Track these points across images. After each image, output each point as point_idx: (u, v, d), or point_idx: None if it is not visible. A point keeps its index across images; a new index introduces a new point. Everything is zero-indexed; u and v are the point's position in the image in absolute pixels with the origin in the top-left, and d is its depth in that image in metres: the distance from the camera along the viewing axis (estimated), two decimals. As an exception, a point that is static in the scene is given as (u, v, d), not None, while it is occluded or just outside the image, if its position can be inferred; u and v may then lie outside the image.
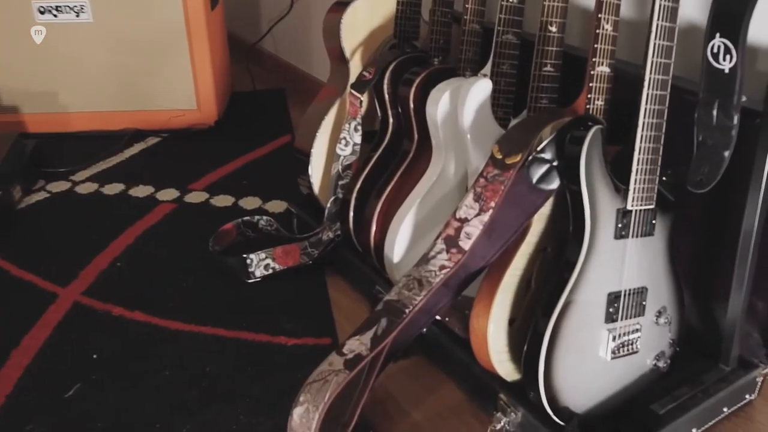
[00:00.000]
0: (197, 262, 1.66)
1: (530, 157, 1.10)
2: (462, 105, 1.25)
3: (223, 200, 1.97)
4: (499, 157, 1.13)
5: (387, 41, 1.63)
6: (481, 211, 1.12)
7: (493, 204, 1.11)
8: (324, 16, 1.67)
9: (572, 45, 1.43)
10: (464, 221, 1.13)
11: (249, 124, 2.46)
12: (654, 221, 1.14)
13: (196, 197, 2.00)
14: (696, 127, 1.10)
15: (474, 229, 1.12)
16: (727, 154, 1.09)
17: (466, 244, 1.12)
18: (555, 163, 1.11)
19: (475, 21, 1.44)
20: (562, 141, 1.10)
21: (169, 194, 2.01)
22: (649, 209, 1.13)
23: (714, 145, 1.10)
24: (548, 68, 1.27)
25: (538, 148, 1.10)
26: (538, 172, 1.11)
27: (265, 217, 1.72)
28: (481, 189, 1.13)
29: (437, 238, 1.16)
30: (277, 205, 1.91)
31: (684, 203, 1.17)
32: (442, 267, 1.13)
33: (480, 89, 1.25)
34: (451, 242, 1.14)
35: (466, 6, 1.42)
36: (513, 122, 1.36)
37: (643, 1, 1.38)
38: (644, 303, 1.15)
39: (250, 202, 1.95)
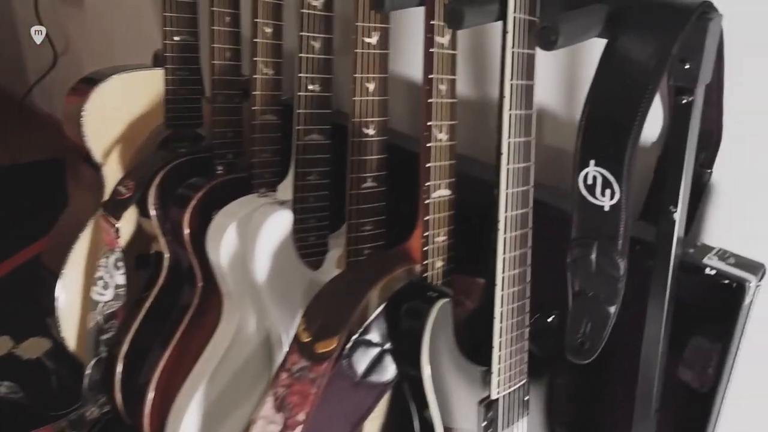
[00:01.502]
0: None
1: (352, 343, 0.76)
2: (252, 248, 0.89)
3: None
4: (307, 340, 0.78)
5: (157, 133, 1.23)
6: (287, 427, 0.76)
7: (302, 416, 0.75)
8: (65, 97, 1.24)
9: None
10: (265, 440, 0.78)
11: (6, 216, 1.91)
12: (527, 397, 0.84)
13: None
14: (569, 273, 0.81)
15: (279, 453, 0.76)
16: (612, 309, 0.80)
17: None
18: (387, 346, 0.77)
19: (269, 111, 1.08)
20: (395, 314, 0.77)
21: None
22: (520, 386, 0.82)
23: (595, 298, 0.80)
24: (369, 184, 0.94)
25: (362, 328, 0.76)
26: (364, 361, 0.77)
27: (5, 383, 1.26)
28: (285, 390, 0.78)
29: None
30: (36, 346, 1.42)
31: (561, 356, 0.87)
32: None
33: (277, 225, 0.90)
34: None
35: (254, 93, 1.06)
36: (333, 248, 1.02)
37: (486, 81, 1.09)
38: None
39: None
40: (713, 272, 0.81)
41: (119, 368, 1.08)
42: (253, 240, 0.89)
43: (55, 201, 1.88)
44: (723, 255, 0.83)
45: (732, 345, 0.82)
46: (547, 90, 1.01)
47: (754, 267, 0.81)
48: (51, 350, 1.33)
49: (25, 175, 2.12)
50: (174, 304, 1.09)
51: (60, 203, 1.86)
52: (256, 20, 1.05)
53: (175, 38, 1.20)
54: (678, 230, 0.77)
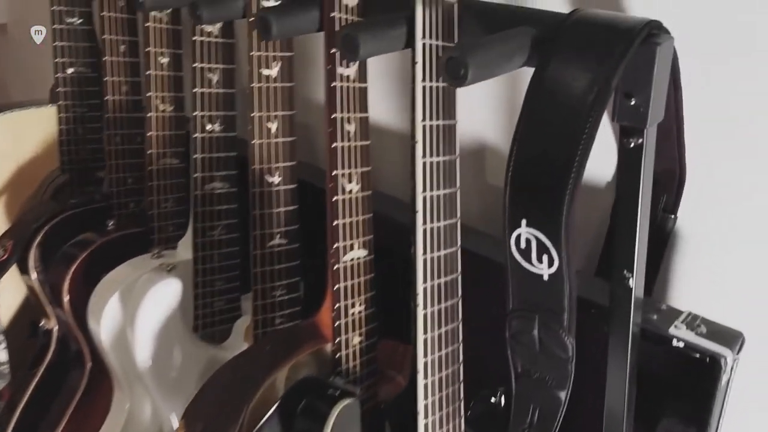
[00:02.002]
0: None
1: (237, 452, 0.61)
2: (133, 322, 0.75)
3: None
4: (187, 447, 0.63)
5: (52, 179, 1.08)
6: None
7: None
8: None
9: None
10: None
11: None
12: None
13: None
14: (510, 350, 0.67)
15: None
16: (563, 395, 0.66)
17: None
18: (284, 454, 0.63)
19: (169, 154, 0.93)
20: (289, 416, 0.62)
21: None
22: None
23: (542, 381, 0.66)
24: (278, 241, 0.80)
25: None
26: (256, 473, 0.62)
27: None
28: None
29: None
30: None
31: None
32: None
33: (161, 294, 0.75)
34: None
35: (150, 134, 0.92)
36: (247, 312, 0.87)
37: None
38: None
39: None
40: (681, 344, 0.67)
41: (2, 459, 0.93)
42: (134, 315, 0.74)
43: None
44: (692, 322, 0.69)
45: (709, 429, 0.68)
46: (489, 121, 0.87)
47: (730, 337, 0.67)
48: None
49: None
50: (61, 386, 0.93)
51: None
52: (148, 49, 0.90)
53: (69, 71, 1.05)
54: (635, 298, 0.63)
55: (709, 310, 0.70)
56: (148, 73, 0.91)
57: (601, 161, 0.80)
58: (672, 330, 0.68)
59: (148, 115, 0.91)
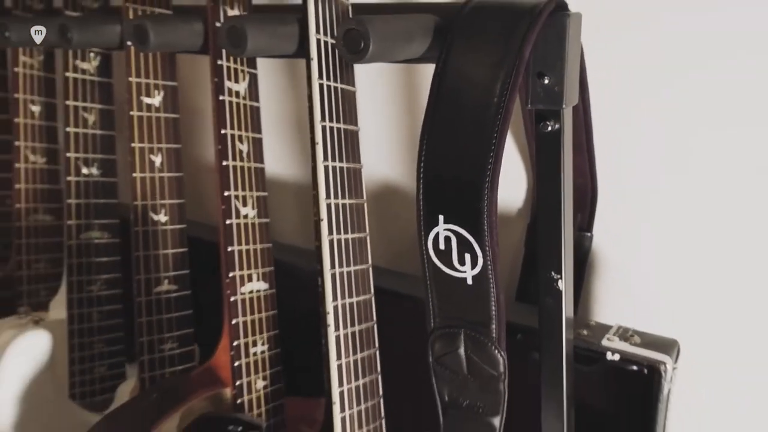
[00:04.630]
0: None
1: None
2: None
3: None
4: None
5: None
6: None
7: None
8: None
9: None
10: None
11: None
12: None
13: None
14: (434, 378, 0.59)
15: None
16: (497, 422, 0.58)
17: None
18: None
19: (41, 209, 0.84)
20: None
21: None
22: None
23: (472, 409, 0.59)
24: (165, 287, 0.71)
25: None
26: None
27: None
28: None
29: None
30: None
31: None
32: None
33: (26, 347, 0.64)
34: None
35: (17, 187, 0.82)
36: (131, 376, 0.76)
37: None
38: None
39: None
40: (617, 357, 0.62)
41: None
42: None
43: None
44: (625, 334, 0.64)
45: (655, 449, 0.62)
46: (398, 162, 0.82)
47: (666, 345, 0.62)
48: None
49: None
50: None
51: None
52: (15, 95, 0.82)
53: None
54: (566, 304, 0.58)
55: (635, 326, 0.66)
56: (16, 120, 0.82)
57: (510, 190, 0.77)
58: (605, 342, 0.62)
59: (17, 165, 0.82)
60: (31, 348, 0.67)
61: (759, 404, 0.66)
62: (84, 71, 0.76)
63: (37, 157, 0.84)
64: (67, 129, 0.75)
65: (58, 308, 0.76)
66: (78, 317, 0.74)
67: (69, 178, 0.75)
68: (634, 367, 0.61)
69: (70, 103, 0.75)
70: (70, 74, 0.76)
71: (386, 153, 0.82)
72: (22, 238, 0.82)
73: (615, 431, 0.64)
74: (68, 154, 0.75)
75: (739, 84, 0.62)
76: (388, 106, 0.80)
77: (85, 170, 0.76)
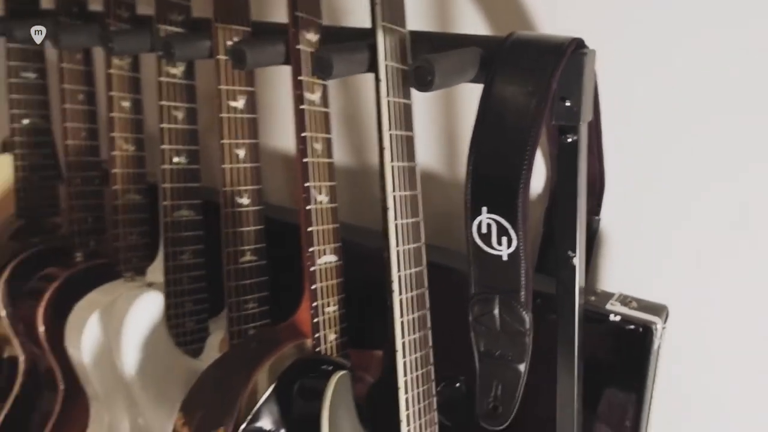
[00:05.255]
0: None
1: (239, 434, 0.66)
2: (117, 338, 0.79)
3: None
4: (187, 438, 0.67)
5: (8, 224, 1.11)
6: None
7: None
8: None
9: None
10: None
11: None
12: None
13: None
14: (473, 333, 0.75)
15: None
16: (522, 368, 0.74)
17: None
18: (281, 434, 0.68)
19: (132, 190, 0.99)
20: (286, 398, 0.68)
21: None
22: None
23: (502, 357, 0.75)
24: (248, 258, 0.86)
25: (251, 415, 0.67)
26: (254, 455, 0.67)
27: None
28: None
29: None
30: None
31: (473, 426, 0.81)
32: None
33: (145, 310, 0.80)
34: None
35: (114, 171, 0.97)
36: (214, 331, 0.92)
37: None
38: None
39: None
40: (618, 318, 0.77)
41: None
42: (119, 330, 0.79)
43: None
44: (625, 300, 0.80)
45: (646, 392, 0.78)
46: (428, 153, 0.97)
47: (657, 309, 0.78)
48: None
49: None
50: (33, 413, 0.95)
51: None
52: (111, 93, 0.97)
53: (24, 121, 1.10)
54: (579, 277, 0.73)
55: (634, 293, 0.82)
56: (111, 115, 0.97)
57: (532, 181, 0.92)
58: (609, 306, 0.78)
59: (112, 153, 0.97)
60: (150, 307, 0.83)
61: (732, 359, 0.82)
62: (173, 75, 0.91)
63: (128, 145, 0.99)
64: (161, 125, 0.90)
65: (154, 273, 0.91)
66: (173, 281, 0.89)
67: (163, 167, 0.90)
68: (632, 327, 0.77)
69: (163, 103, 0.90)
70: (162, 78, 0.90)
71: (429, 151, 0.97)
72: (118, 215, 0.97)
73: (616, 378, 0.80)
74: (162, 146, 0.90)
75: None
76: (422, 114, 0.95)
77: (175, 159, 0.91)
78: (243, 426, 0.67)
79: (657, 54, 0.79)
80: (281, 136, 1.09)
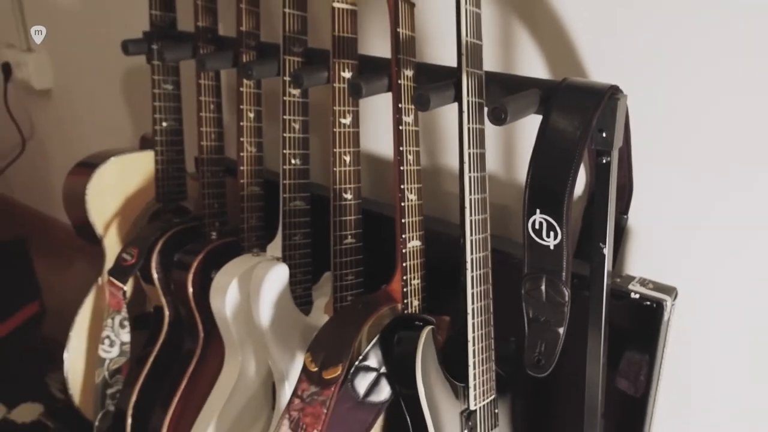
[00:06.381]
0: None
1: (353, 369, 0.92)
2: (256, 298, 1.04)
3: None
4: (315, 370, 0.93)
5: (149, 207, 1.38)
6: (304, 444, 0.90)
7: (316, 433, 0.90)
8: (64, 179, 1.38)
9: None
10: (282, 457, 0.91)
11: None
12: (496, 410, 1.01)
13: None
14: (524, 303, 0.99)
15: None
16: (561, 330, 0.98)
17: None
18: (383, 370, 0.93)
19: (254, 183, 1.24)
20: (388, 344, 0.93)
21: None
22: (491, 400, 0.99)
23: (546, 322, 0.98)
24: (349, 240, 1.11)
25: (362, 355, 0.92)
26: (364, 384, 0.93)
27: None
28: (298, 413, 0.92)
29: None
30: (28, 411, 1.53)
31: (519, 378, 1.05)
32: None
33: (276, 277, 1.05)
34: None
35: (241, 168, 1.23)
36: (317, 297, 1.17)
37: (442, 150, 1.28)
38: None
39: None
40: (637, 296, 1.00)
41: (129, 420, 1.19)
42: (257, 291, 1.04)
43: (21, 277, 1.98)
44: (643, 282, 1.02)
45: (657, 354, 1.01)
46: (491, 161, 1.21)
47: (668, 289, 1.00)
48: (47, 411, 1.42)
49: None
50: (176, 355, 1.22)
51: (26, 279, 1.96)
52: (241, 107, 1.22)
53: (164, 124, 1.36)
54: (607, 263, 0.96)
55: (651, 278, 1.05)
56: (241, 123, 1.23)
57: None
58: (630, 286, 1.01)
59: (240, 154, 1.23)
60: (280, 275, 1.08)
61: (730, 336, 1.05)
62: (293, 95, 1.16)
63: (252, 148, 1.24)
64: (284, 134, 1.15)
65: (273, 250, 1.17)
66: (289, 256, 1.15)
67: (284, 167, 1.15)
68: (648, 303, 0.99)
69: (286, 117, 1.15)
70: (286, 98, 1.15)
71: (493, 162, 1.20)
72: (244, 203, 1.23)
73: (634, 342, 1.02)
74: (283, 151, 1.15)
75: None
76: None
77: (293, 161, 1.16)
78: (356, 363, 0.92)
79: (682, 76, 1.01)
80: (370, 143, 1.33)
